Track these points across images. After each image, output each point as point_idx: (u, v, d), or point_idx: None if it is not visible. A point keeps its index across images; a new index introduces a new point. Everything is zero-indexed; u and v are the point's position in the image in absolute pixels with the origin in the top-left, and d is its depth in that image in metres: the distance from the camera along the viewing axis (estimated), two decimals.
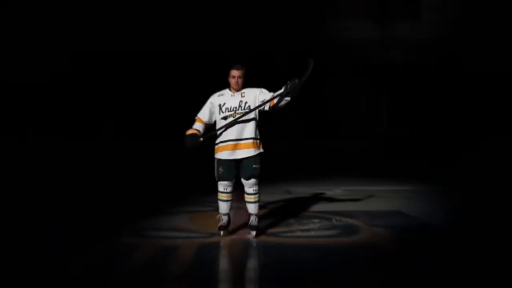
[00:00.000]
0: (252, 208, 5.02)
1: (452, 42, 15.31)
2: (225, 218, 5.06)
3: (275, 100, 4.84)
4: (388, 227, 5.45)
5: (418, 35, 15.35)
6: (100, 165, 12.08)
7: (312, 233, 5.20)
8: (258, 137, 4.99)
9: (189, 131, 4.99)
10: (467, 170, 11.66)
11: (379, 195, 7.93)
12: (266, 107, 4.93)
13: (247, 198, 5.02)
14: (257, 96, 4.94)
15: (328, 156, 13.41)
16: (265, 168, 5.00)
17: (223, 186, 4.99)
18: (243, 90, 5.00)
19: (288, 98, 4.80)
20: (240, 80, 4.94)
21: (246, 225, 5.26)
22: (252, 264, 4.41)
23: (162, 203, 7.19)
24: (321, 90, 14.68)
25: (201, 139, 4.94)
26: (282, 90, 4.78)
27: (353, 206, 6.83)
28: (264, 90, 5.01)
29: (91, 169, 11.62)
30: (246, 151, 4.89)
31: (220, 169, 4.93)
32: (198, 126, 5.04)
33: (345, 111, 15.36)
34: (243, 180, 4.99)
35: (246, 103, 4.93)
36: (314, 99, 14.46)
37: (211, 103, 5.05)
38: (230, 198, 5.05)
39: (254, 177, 4.94)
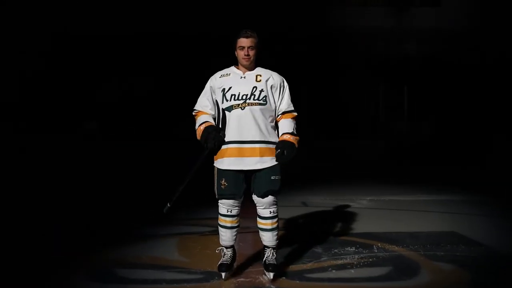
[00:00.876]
0: (268, 239, 3.48)
1: (474, 31, 13.99)
2: (228, 253, 3.52)
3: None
4: (455, 260, 3.90)
5: (436, 23, 14.07)
6: (76, 165, 10.59)
7: (353, 272, 3.64)
8: (277, 139, 3.47)
9: (202, 126, 3.41)
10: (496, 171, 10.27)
11: (416, 208, 6.43)
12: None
13: (262, 223, 3.49)
14: (275, 88, 3.47)
15: (346, 157, 11.86)
16: None
17: (226, 207, 3.44)
18: (258, 71, 3.47)
19: None
20: (251, 52, 3.41)
21: (257, 258, 3.74)
22: None
23: (141, 222, 5.54)
24: (335, 85, 13.35)
25: (224, 133, 3.41)
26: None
27: (391, 225, 5.30)
28: (285, 84, 3.54)
29: (64, 170, 10.12)
30: (260, 160, 3.36)
31: (223, 182, 3.39)
32: (207, 118, 3.46)
33: (362, 106, 13.93)
34: (255, 198, 3.45)
35: (261, 91, 3.40)
36: (327, 94, 13.17)
37: (211, 87, 3.50)
38: (236, 224, 3.51)
39: (272, 194, 3.41)
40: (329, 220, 5.56)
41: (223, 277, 3.43)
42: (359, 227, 5.17)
